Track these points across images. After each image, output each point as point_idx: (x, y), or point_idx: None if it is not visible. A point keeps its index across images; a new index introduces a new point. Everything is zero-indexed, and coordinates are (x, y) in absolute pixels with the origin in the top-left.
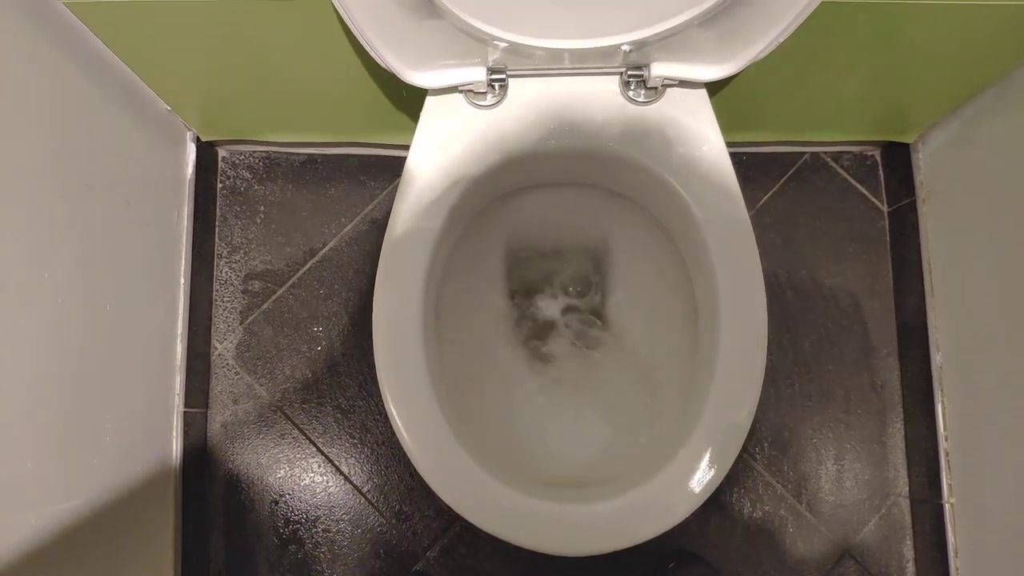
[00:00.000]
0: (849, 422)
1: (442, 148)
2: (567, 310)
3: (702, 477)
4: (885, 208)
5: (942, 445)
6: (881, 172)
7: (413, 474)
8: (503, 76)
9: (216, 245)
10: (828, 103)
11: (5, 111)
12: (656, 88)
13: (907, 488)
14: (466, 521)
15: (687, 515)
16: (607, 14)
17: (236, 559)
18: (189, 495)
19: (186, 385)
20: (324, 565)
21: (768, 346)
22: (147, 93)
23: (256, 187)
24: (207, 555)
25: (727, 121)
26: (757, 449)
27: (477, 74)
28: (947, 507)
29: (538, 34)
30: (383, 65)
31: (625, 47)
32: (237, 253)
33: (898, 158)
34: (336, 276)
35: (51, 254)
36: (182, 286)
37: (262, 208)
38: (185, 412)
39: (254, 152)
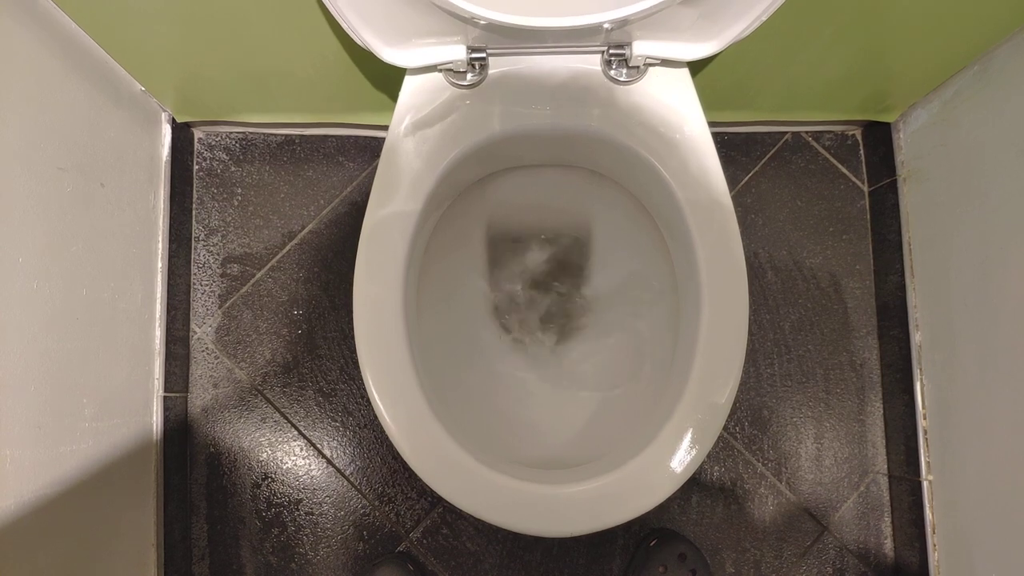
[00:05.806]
0: (828, 401)
1: (421, 128)
2: (549, 291)
3: (683, 457)
4: (866, 188)
5: (920, 423)
6: (862, 151)
7: (396, 456)
8: (483, 55)
9: (193, 228)
10: (810, 82)
11: None
12: (638, 67)
13: (885, 466)
14: (448, 503)
15: (669, 495)
16: None
17: (219, 542)
18: (170, 479)
19: (165, 369)
20: (307, 548)
21: (748, 326)
22: (120, 73)
23: (233, 169)
24: (189, 539)
25: (709, 100)
26: (737, 428)
27: (456, 52)
28: (925, 484)
29: (518, 12)
30: (359, 42)
31: (606, 25)
32: (215, 236)
33: (879, 138)
34: (315, 259)
35: (25, 238)
36: (159, 269)
37: (239, 190)
38: (165, 396)
39: (231, 133)
